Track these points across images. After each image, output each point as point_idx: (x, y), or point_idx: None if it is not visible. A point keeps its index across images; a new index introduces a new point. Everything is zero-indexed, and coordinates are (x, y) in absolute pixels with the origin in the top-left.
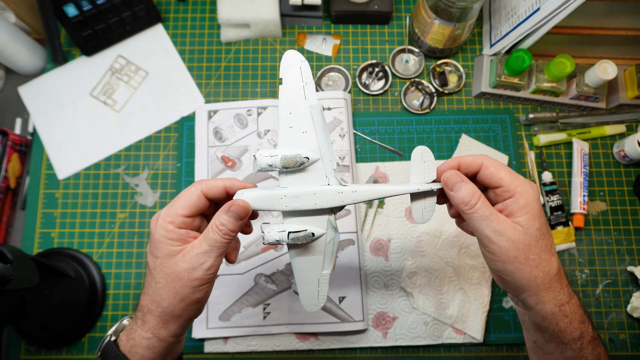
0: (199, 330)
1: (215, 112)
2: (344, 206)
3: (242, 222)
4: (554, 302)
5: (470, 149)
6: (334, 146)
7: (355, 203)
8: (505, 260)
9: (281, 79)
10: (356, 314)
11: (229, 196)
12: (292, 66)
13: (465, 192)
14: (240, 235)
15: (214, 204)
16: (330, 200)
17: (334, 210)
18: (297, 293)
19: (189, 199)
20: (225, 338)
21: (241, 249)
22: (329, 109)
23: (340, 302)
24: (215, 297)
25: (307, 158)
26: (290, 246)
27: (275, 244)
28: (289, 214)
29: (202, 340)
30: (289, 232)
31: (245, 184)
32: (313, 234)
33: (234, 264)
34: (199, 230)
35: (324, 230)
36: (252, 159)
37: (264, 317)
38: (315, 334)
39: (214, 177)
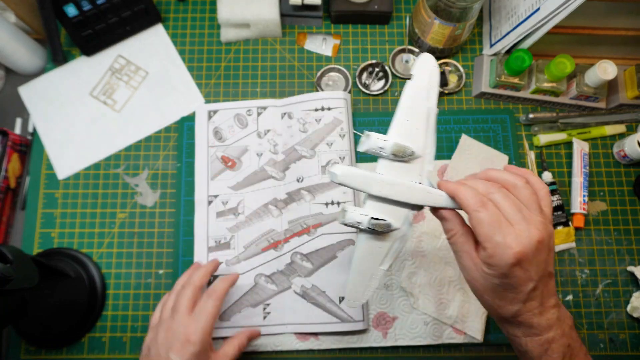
0: None
1: (215, 112)
2: (423, 207)
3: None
4: (506, 332)
5: (471, 149)
6: (334, 146)
7: (439, 207)
8: (469, 285)
9: (412, 74)
10: (356, 314)
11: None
12: (425, 68)
13: (444, 226)
14: (240, 235)
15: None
16: (419, 197)
17: (414, 208)
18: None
19: (216, 309)
20: (225, 338)
21: (241, 249)
22: (329, 108)
23: (340, 302)
24: None
25: (413, 152)
26: (364, 231)
27: (352, 226)
28: (376, 198)
29: None
30: (371, 218)
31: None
32: (390, 225)
33: (234, 265)
34: None
35: (399, 225)
36: (361, 139)
37: (264, 317)
38: (315, 334)
39: (214, 177)
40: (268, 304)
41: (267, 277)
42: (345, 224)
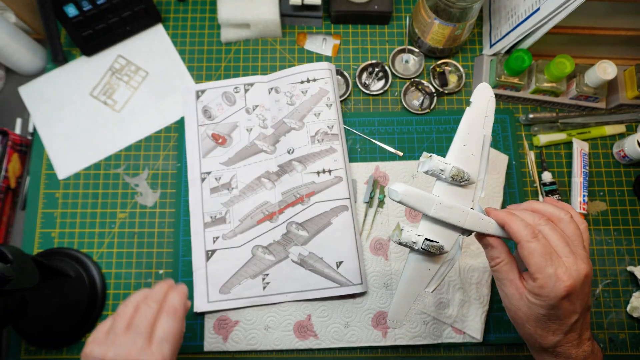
0: (200, 304)
1: (203, 91)
2: (473, 232)
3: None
4: None
5: None
6: (322, 116)
7: (487, 234)
8: (508, 314)
9: (471, 102)
10: (354, 278)
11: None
12: (483, 97)
13: (490, 254)
14: (234, 209)
15: None
16: (472, 223)
17: (465, 233)
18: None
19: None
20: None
21: (236, 223)
22: (314, 80)
23: (337, 267)
24: (215, 271)
25: (469, 178)
26: (416, 251)
27: (403, 245)
28: (430, 220)
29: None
30: (426, 239)
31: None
32: (443, 247)
33: (230, 239)
34: None
35: (449, 248)
36: (422, 160)
37: (264, 288)
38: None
39: (206, 155)
40: (267, 274)
41: (264, 248)
42: (400, 243)
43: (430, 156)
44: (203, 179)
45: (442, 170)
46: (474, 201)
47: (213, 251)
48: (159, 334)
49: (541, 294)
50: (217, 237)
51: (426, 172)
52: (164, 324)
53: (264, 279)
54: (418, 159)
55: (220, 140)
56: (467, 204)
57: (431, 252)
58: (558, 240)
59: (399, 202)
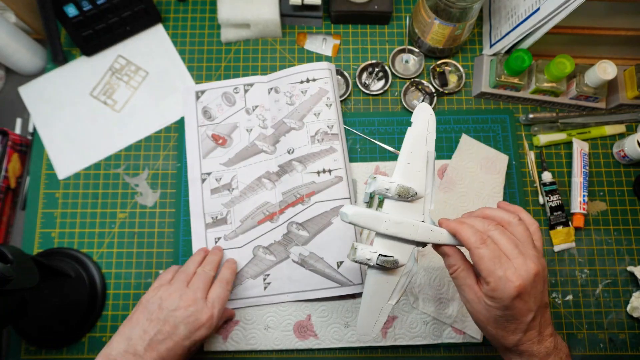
0: None
1: (202, 92)
2: (427, 243)
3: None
4: None
5: (471, 149)
6: (322, 116)
7: (440, 244)
8: (472, 317)
9: (412, 122)
10: (355, 278)
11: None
12: (423, 116)
13: (446, 262)
14: (235, 209)
15: None
16: (423, 235)
17: (419, 245)
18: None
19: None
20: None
21: (237, 223)
22: (314, 79)
23: (338, 267)
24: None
25: (416, 193)
26: (372, 267)
27: (364, 263)
28: (383, 236)
29: None
30: (379, 255)
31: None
32: (397, 262)
33: (231, 239)
34: None
35: (405, 261)
36: (368, 181)
37: (265, 288)
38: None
39: (206, 156)
40: (268, 275)
41: (265, 249)
42: (356, 261)
43: (375, 177)
44: (203, 180)
45: (387, 189)
46: (424, 214)
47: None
48: (212, 295)
49: (495, 297)
50: (218, 238)
51: (372, 193)
52: (217, 289)
53: (265, 279)
54: None
55: (220, 141)
56: (418, 217)
57: (386, 267)
58: (507, 243)
59: (350, 223)
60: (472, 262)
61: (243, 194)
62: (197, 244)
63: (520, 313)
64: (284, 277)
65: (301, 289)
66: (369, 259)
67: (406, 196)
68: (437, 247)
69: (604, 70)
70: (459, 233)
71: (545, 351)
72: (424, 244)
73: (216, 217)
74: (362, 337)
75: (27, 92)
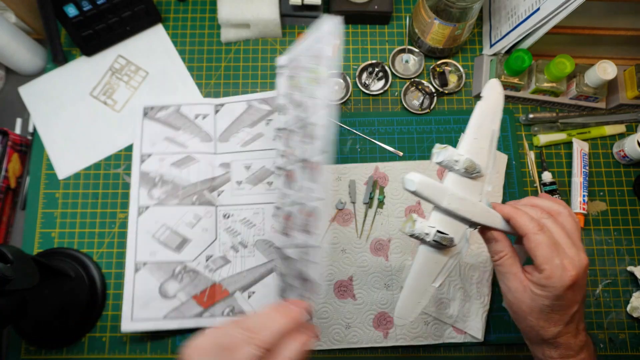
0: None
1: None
2: (479, 225)
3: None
4: (542, 354)
5: None
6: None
7: (493, 228)
8: (509, 308)
9: (482, 96)
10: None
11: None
12: (494, 92)
13: (493, 247)
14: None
15: None
16: (480, 216)
17: (472, 225)
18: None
19: (280, 330)
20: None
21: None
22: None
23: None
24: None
25: (480, 170)
26: (427, 243)
27: (414, 237)
28: (442, 211)
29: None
30: (437, 231)
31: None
32: (453, 240)
33: None
34: None
35: (457, 241)
36: (436, 150)
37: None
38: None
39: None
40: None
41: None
42: (413, 235)
43: (446, 147)
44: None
45: (456, 161)
46: (481, 194)
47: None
48: None
49: (548, 285)
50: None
51: (440, 163)
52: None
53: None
54: (418, 159)
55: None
56: (476, 197)
57: (442, 245)
58: (560, 233)
59: (414, 191)
60: (518, 250)
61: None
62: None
63: (568, 304)
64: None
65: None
66: (427, 234)
67: (472, 171)
68: (484, 231)
69: (604, 70)
70: (514, 218)
71: (579, 345)
72: (476, 225)
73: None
74: (400, 320)
75: (27, 92)
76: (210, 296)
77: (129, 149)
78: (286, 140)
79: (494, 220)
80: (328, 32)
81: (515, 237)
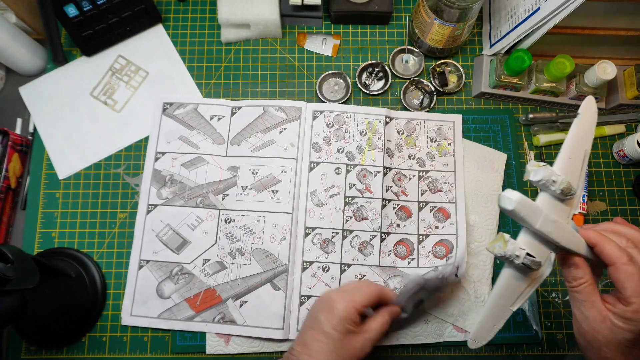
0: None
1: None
2: (565, 250)
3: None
4: None
5: (468, 149)
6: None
7: (577, 254)
8: (581, 337)
9: (579, 114)
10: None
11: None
12: (590, 110)
13: (573, 274)
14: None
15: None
16: (567, 240)
17: (557, 250)
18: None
19: (371, 295)
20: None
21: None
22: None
23: (241, 306)
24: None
25: (575, 192)
26: (514, 265)
27: (502, 258)
28: (531, 233)
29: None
30: (527, 254)
31: (392, 295)
32: (540, 264)
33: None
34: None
35: (542, 266)
36: (532, 167)
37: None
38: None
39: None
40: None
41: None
42: (503, 257)
43: (544, 165)
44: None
45: (554, 182)
46: (569, 217)
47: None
48: (346, 287)
49: (634, 319)
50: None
51: (537, 182)
52: (352, 283)
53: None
54: None
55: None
56: (564, 220)
57: (530, 268)
58: None
59: (511, 210)
60: (610, 278)
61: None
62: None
63: None
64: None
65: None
66: (517, 256)
67: (567, 193)
68: (564, 255)
69: (604, 70)
70: (601, 245)
71: None
72: (560, 249)
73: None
74: (474, 344)
75: (28, 92)
76: (203, 301)
77: (129, 149)
78: None
79: (579, 245)
80: None
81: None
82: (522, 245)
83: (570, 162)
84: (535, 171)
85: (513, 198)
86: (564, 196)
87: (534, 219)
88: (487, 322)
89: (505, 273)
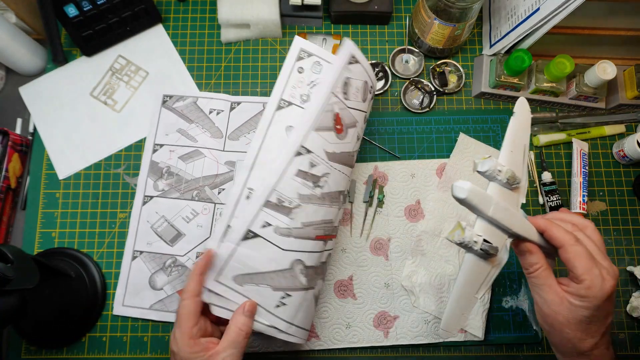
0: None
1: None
2: (516, 236)
3: (253, 318)
4: None
5: (469, 148)
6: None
7: (529, 240)
8: (543, 321)
9: (514, 112)
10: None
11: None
12: (523, 109)
13: (528, 260)
14: (306, 209)
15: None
16: (519, 226)
17: (511, 236)
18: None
19: (187, 309)
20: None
21: (298, 224)
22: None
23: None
24: (244, 255)
25: (520, 181)
26: (474, 252)
27: (462, 245)
28: (486, 219)
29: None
30: (484, 240)
31: (204, 266)
32: (498, 249)
33: (283, 236)
34: (207, 328)
35: (500, 252)
36: (479, 160)
37: (277, 306)
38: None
39: (317, 130)
40: (289, 295)
41: (304, 268)
42: (461, 244)
43: (490, 157)
44: (299, 153)
45: (499, 172)
46: (517, 205)
47: (255, 235)
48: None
49: (588, 295)
50: (268, 224)
51: (483, 172)
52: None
53: (282, 298)
54: (417, 158)
55: (338, 127)
56: (513, 207)
57: (489, 254)
58: (592, 245)
59: (464, 199)
60: (562, 260)
61: (322, 198)
62: (239, 213)
63: (605, 314)
64: (299, 306)
65: (304, 326)
66: (475, 242)
67: (513, 182)
68: (518, 243)
69: (604, 70)
70: (550, 230)
71: (611, 356)
72: (513, 236)
73: (283, 202)
74: (446, 334)
75: (28, 92)
76: None
77: (129, 149)
78: None
79: (530, 232)
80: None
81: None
82: (479, 232)
83: (512, 155)
84: (482, 163)
85: (465, 187)
86: (510, 185)
87: (486, 206)
88: (455, 311)
89: (466, 261)
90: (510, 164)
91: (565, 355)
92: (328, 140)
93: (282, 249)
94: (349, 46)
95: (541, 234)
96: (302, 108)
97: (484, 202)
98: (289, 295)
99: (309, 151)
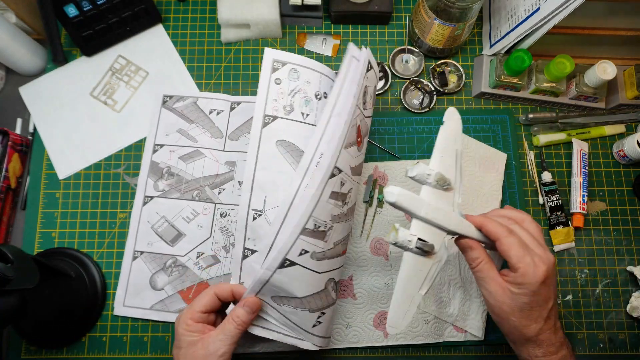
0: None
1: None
2: (456, 234)
3: (254, 316)
4: (527, 355)
5: (469, 148)
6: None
7: (467, 236)
8: (492, 312)
9: (443, 121)
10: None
11: (235, 299)
12: (453, 118)
13: (470, 255)
14: (335, 228)
15: (223, 304)
16: (455, 225)
17: (449, 234)
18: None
19: (204, 298)
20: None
21: (330, 245)
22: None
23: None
24: (276, 279)
25: (450, 183)
26: (410, 251)
27: (397, 245)
28: (422, 221)
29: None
30: (418, 239)
31: (243, 289)
32: (434, 246)
33: (319, 260)
34: (214, 324)
35: (438, 249)
36: (409, 166)
37: (313, 326)
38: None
39: (346, 147)
40: (324, 313)
41: (335, 285)
42: (396, 244)
43: (417, 162)
44: (332, 175)
45: (428, 175)
46: (453, 206)
47: (292, 263)
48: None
49: (524, 282)
50: (305, 252)
51: (413, 177)
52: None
53: (319, 317)
54: (417, 158)
55: (359, 139)
56: (449, 208)
57: (424, 251)
58: (527, 236)
59: (394, 202)
60: (493, 256)
61: (348, 214)
62: (279, 244)
63: (544, 299)
64: (331, 320)
65: (330, 335)
66: (409, 241)
67: (443, 184)
68: (459, 240)
69: (604, 70)
70: (485, 225)
71: (559, 341)
72: (452, 234)
73: (319, 227)
74: (393, 330)
75: (28, 92)
76: (196, 293)
77: (129, 149)
78: None
79: (468, 229)
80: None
81: (489, 247)
82: (413, 232)
83: (443, 160)
84: (411, 169)
85: (394, 192)
86: (441, 186)
87: (417, 208)
88: (399, 308)
89: (405, 258)
90: (441, 168)
91: (515, 343)
92: (352, 155)
93: (318, 273)
94: (366, 54)
95: (480, 230)
96: (289, 120)
97: (415, 204)
98: (324, 313)
99: (340, 170)
